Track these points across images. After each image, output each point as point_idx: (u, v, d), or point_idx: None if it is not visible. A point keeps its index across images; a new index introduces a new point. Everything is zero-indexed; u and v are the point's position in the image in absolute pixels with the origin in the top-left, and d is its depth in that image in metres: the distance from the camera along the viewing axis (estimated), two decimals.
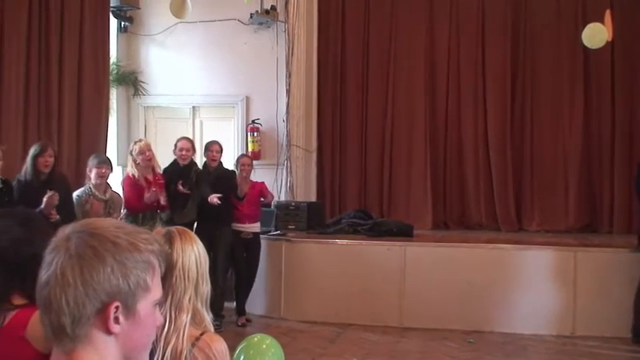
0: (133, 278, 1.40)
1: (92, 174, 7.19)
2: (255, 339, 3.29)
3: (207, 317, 2.52)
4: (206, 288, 2.50)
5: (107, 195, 7.27)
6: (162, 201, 7.57)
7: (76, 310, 1.36)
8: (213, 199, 7.77)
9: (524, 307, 8.10)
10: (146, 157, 7.64)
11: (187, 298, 2.43)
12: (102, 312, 1.38)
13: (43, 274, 1.39)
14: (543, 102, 10.60)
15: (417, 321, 8.30)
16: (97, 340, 1.40)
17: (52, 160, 6.70)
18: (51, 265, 1.38)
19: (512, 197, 10.60)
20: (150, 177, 7.73)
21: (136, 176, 7.64)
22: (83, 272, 1.36)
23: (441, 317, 8.23)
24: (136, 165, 7.68)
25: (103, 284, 1.37)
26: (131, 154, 7.78)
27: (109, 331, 1.39)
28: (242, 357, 3.06)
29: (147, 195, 7.47)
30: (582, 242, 8.86)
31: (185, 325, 2.39)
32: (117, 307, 1.39)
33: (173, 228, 2.56)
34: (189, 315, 2.42)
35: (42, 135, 8.27)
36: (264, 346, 3.19)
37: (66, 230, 1.43)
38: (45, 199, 6.26)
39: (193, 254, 2.46)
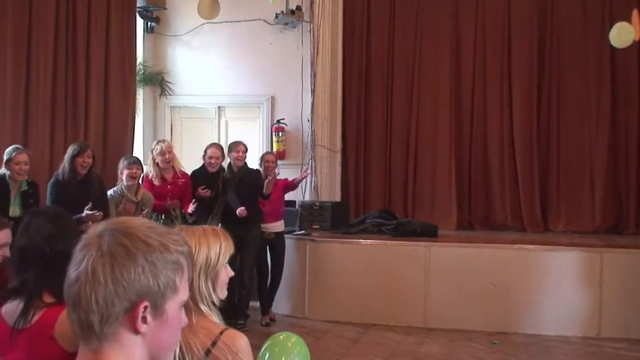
0: (162, 279, 1.41)
1: (123, 175, 7.28)
2: (281, 337, 3.29)
3: (212, 312, 2.49)
4: (201, 285, 2.46)
5: (139, 197, 7.34)
6: (190, 209, 7.63)
7: (105, 308, 1.36)
8: (243, 212, 7.81)
9: (549, 309, 8.05)
10: (165, 159, 7.72)
11: None
12: (130, 311, 1.38)
13: (73, 271, 1.39)
14: (569, 102, 10.53)
15: (441, 322, 8.29)
16: (124, 340, 1.40)
17: (90, 161, 6.82)
18: (82, 262, 1.38)
19: (538, 198, 10.53)
20: (169, 177, 7.79)
21: (151, 175, 7.73)
22: (114, 270, 1.36)
23: (465, 318, 8.21)
24: (154, 163, 7.75)
25: (134, 283, 1.37)
26: (151, 152, 7.87)
27: (136, 331, 1.40)
28: (267, 355, 3.06)
29: (168, 203, 7.57)
30: (608, 243, 8.77)
31: None
32: (145, 307, 1.39)
33: (187, 226, 2.57)
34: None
35: (69, 135, 8.38)
36: (290, 344, 3.19)
37: (98, 228, 1.43)
38: (87, 212, 6.36)
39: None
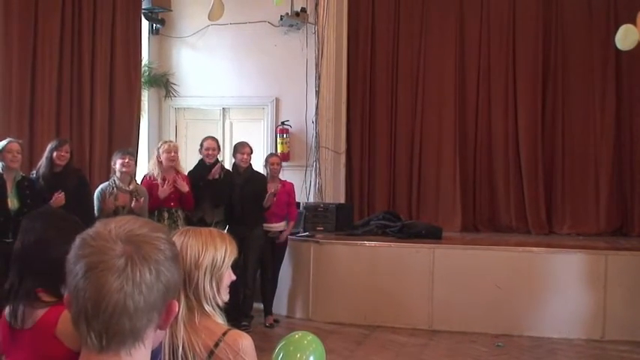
0: (179, 273, 1.44)
1: (117, 165, 7.31)
2: (297, 336, 3.29)
3: (215, 313, 2.49)
4: (192, 287, 2.41)
5: (131, 186, 7.34)
6: (184, 189, 7.64)
7: (151, 312, 1.38)
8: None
9: (553, 311, 8.04)
10: (170, 157, 7.71)
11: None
12: (163, 310, 1.40)
13: (114, 280, 1.34)
14: (574, 103, 10.52)
15: (446, 324, 8.28)
16: (148, 337, 1.41)
17: (67, 155, 6.91)
18: (124, 270, 1.34)
19: (543, 200, 10.52)
20: (170, 178, 7.78)
21: (154, 175, 7.72)
22: (159, 275, 1.37)
23: (469, 320, 8.20)
24: (159, 163, 7.76)
25: (170, 283, 1.39)
26: (157, 150, 7.88)
27: (163, 327, 1.43)
28: (282, 354, 3.06)
29: (161, 189, 7.52)
30: (613, 246, 8.77)
31: (178, 319, 2.38)
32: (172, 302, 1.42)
33: (190, 227, 2.58)
34: (181, 311, 2.39)
35: (74, 136, 8.40)
36: (305, 342, 3.18)
37: (119, 233, 1.39)
38: (54, 197, 6.48)
39: (180, 251, 2.36)
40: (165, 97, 10.85)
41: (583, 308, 7.98)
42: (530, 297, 8.13)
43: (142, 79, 9.97)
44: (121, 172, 7.28)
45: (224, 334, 2.41)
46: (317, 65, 10.31)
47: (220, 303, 2.49)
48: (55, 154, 6.82)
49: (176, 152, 7.86)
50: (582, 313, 7.98)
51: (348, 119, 10.83)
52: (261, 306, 8.61)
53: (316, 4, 10.31)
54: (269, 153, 9.46)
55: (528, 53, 10.59)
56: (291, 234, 8.87)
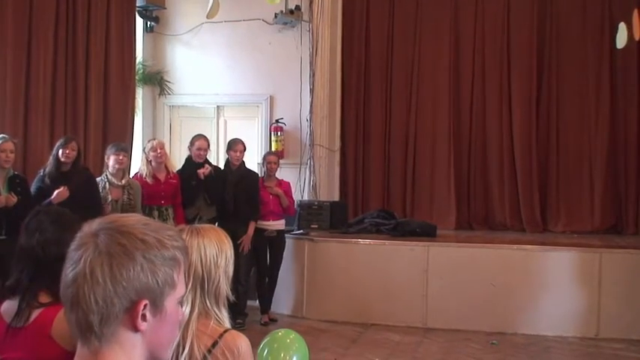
0: (161, 275, 1.40)
1: (110, 161, 7.28)
2: (279, 333, 3.31)
3: (223, 316, 2.49)
4: (214, 286, 2.44)
5: (124, 181, 7.32)
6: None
7: (105, 308, 1.35)
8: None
9: (548, 309, 8.04)
10: (157, 155, 7.68)
11: (191, 294, 2.41)
12: (130, 310, 1.37)
13: (70, 271, 1.38)
14: (569, 101, 10.52)
15: (440, 322, 8.28)
16: (124, 339, 1.39)
17: (74, 153, 6.84)
18: (79, 262, 1.37)
19: (537, 198, 10.51)
20: (161, 176, 7.75)
21: (144, 175, 7.70)
22: (113, 270, 1.35)
23: (464, 318, 8.20)
24: (147, 162, 7.73)
25: (133, 282, 1.36)
26: (144, 151, 7.86)
27: (136, 329, 1.39)
28: (266, 351, 3.07)
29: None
30: (607, 244, 8.77)
31: (190, 321, 2.38)
32: (145, 305, 1.38)
33: (192, 226, 2.56)
34: (195, 312, 2.40)
35: (69, 134, 8.37)
36: (288, 341, 3.20)
37: (92, 226, 1.42)
38: (55, 192, 6.45)
39: (199, 251, 2.43)
40: (160, 94, 10.84)
41: (577, 306, 7.99)
42: (525, 295, 8.14)
43: (137, 77, 9.94)
44: (114, 168, 7.26)
45: (221, 335, 2.41)
46: (311, 63, 10.29)
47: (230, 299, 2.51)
48: (60, 152, 6.77)
49: (162, 148, 7.81)
50: (577, 311, 7.99)
51: (342, 117, 10.81)
52: (256, 303, 8.59)
53: (310, 2, 10.29)
54: (267, 151, 9.45)
55: (523, 50, 10.58)
56: (287, 231, 8.86)
